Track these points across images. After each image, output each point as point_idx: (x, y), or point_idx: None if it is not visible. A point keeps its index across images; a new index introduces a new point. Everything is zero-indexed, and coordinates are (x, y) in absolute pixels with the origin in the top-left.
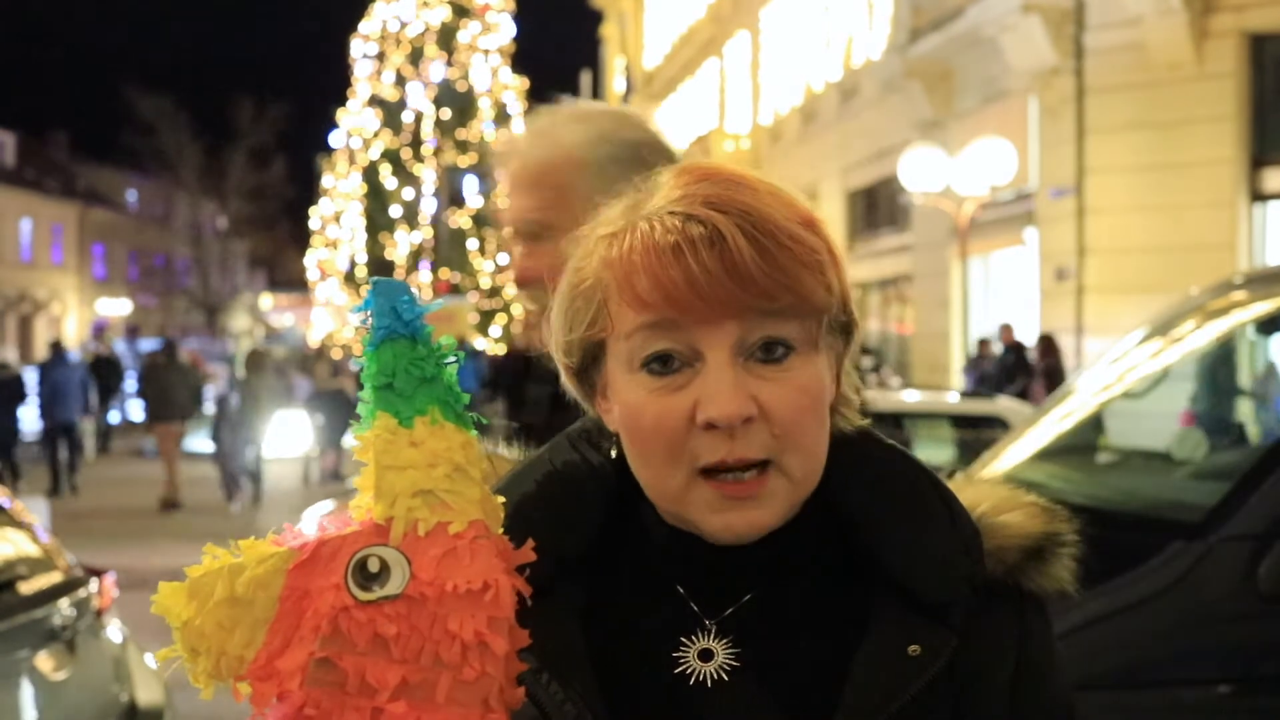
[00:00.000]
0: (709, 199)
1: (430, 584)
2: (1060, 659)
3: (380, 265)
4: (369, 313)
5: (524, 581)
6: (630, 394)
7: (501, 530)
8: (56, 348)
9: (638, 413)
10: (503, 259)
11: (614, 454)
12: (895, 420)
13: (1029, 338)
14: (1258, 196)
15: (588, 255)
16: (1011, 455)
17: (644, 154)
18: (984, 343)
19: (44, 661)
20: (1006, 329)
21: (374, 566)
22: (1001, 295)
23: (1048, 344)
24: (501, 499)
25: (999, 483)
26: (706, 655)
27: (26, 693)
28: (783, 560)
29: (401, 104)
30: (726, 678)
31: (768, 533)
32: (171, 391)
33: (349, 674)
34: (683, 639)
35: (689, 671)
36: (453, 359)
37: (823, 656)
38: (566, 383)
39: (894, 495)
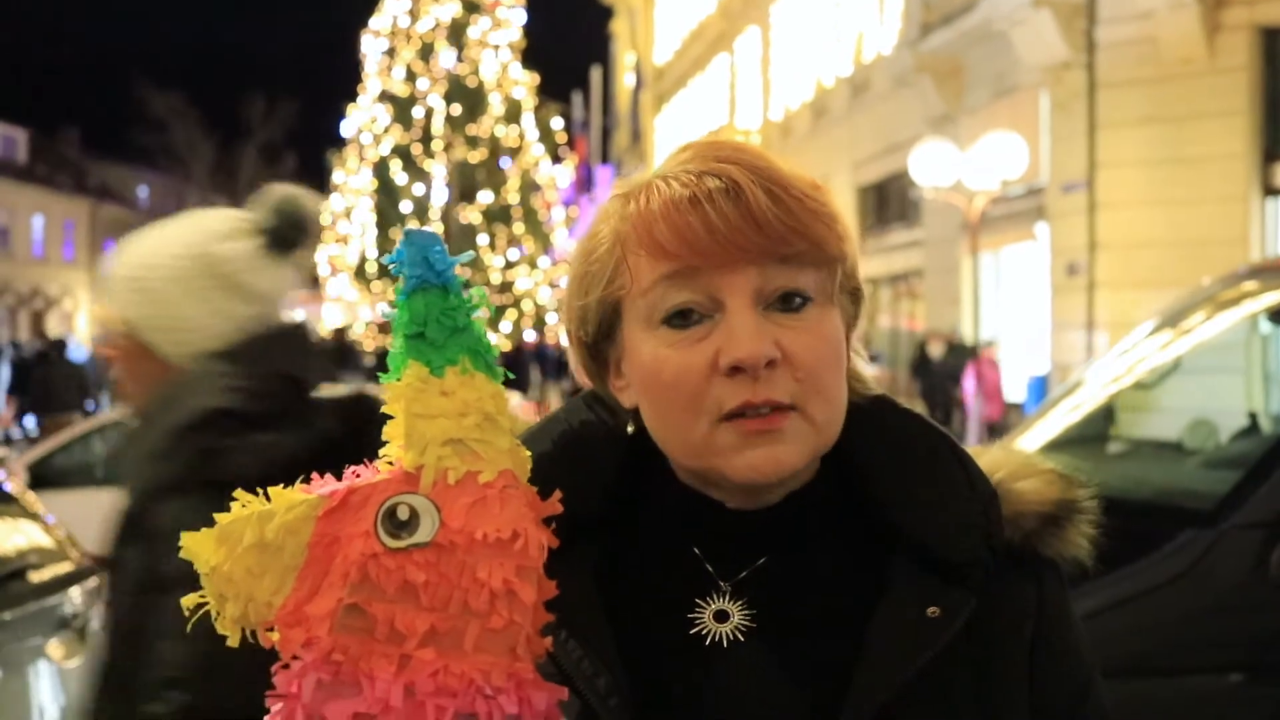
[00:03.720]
0: (720, 157)
1: (459, 532)
2: (1078, 624)
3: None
4: (401, 262)
5: (551, 534)
6: (650, 350)
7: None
8: None
9: (659, 367)
10: (513, 254)
11: (630, 429)
12: None
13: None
14: (1270, 191)
15: (603, 219)
16: (1022, 446)
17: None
18: None
19: (55, 649)
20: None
21: (403, 514)
22: (1012, 290)
23: None
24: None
25: (1016, 449)
26: (722, 616)
27: (38, 680)
28: (799, 523)
29: (412, 99)
30: (742, 639)
31: (787, 492)
32: (54, 386)
33: (378, 621)
34: (698, 600)
35: (704, 633)
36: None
37: (839, 619)
38: (577, 362)
39: (911, 458)
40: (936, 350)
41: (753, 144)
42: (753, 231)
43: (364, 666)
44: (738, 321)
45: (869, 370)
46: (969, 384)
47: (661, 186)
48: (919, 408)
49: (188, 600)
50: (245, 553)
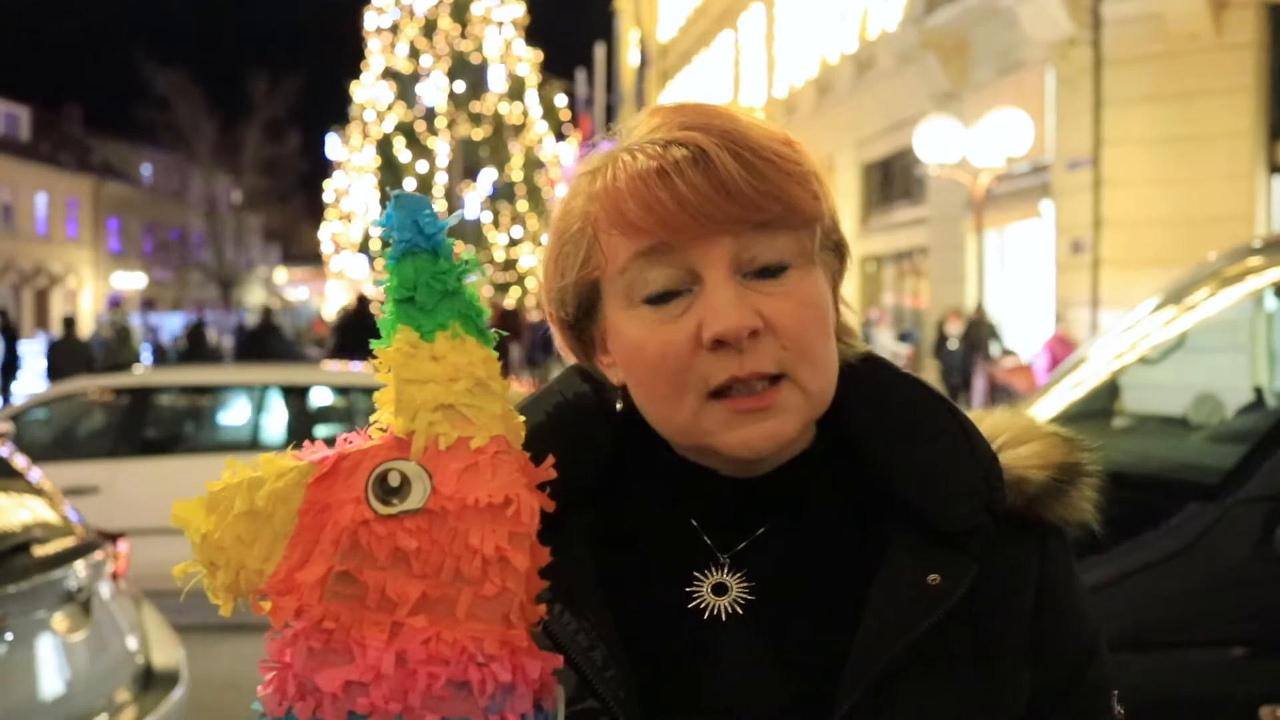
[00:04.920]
0: (686, 124)
1: (451, 498)
2: (1083, 589)
3: None
4: (390, 226)
5: (546, 498)
6: (632, 330)
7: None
8: None
9: (641, 346)
10: (516, 232)
11: (619, 406)
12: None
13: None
14: (1276, 168)
15: (572, 197)
16: None
17: None
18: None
19: (60, 623)
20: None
21: (394, 480)
22: (1017, 268)
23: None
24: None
25: (1019, 413)
26: (720, 589)
27: (43, 653)
28: (796, 493)
29: (415, 76)
30: (740, 612)
31: (783, 460)
32: (61, 362)
33: (369, 588)
34: (696, 574)
35: (703, 606)
36: (475, 275)
37: (839, 588)
38: (560, 342)
39: (910, 423)
40: (955, 329)
41: (721, 105)
42: (724, 200)
43: (355, 634)
44: (717, 294)
45: (901, 349)
46: (1041, 363)
47: (627, 160)
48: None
49: (179, 568)
50: (235, 520)
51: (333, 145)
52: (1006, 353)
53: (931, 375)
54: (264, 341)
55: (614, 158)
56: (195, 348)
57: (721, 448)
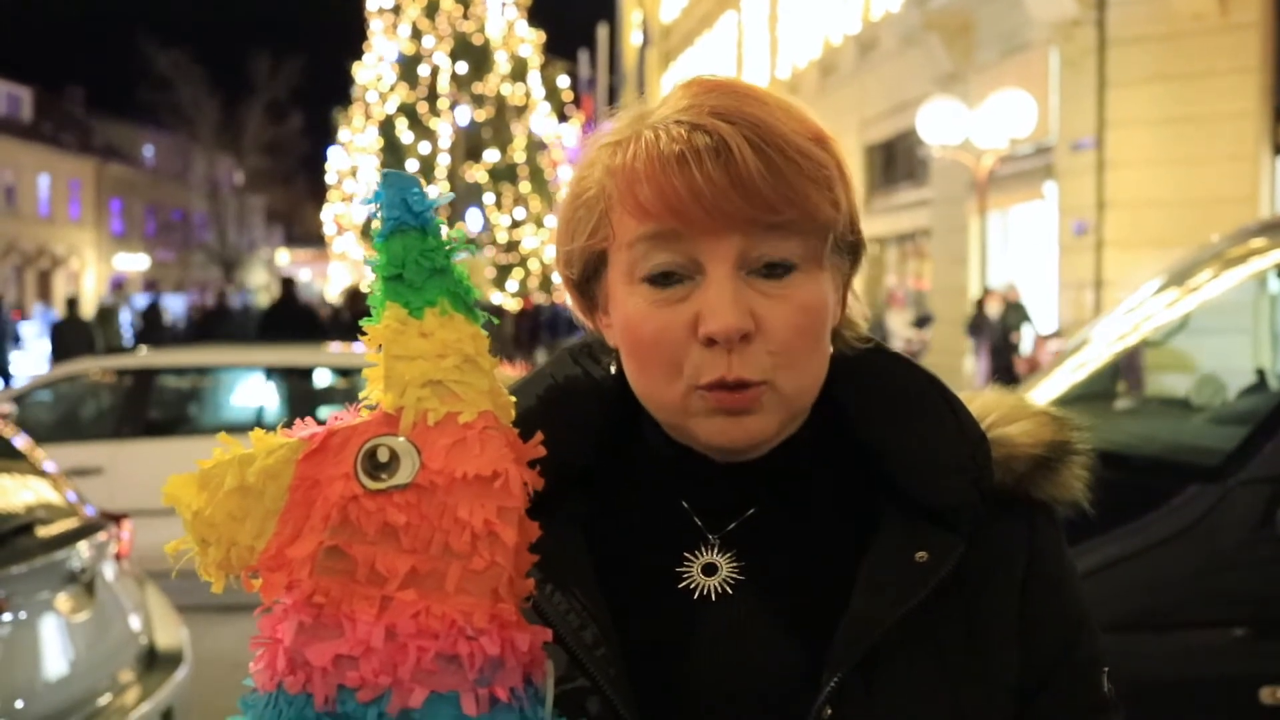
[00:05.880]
0: (716, 109)
1: (439, 473)
2: (1073, 568)
3: None
4: (379, 205)
5: (535, 475)
6: (630, 306)
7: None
8: None
9: (638, 324)
10: (519, 213)
11: (614, 369)
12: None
13: None
14: None
15: (591, 164)
16: None
17: None
18: None
19: (64, 603)
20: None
21: (383, 456)
22: (1020, 250)
23: None
24: (512, 398)
25: (1008, 393)
26: (710, 570)
27: (47, 634)
28: (787, 473)
29: (418, 58)
30: (730, 591)
31: (767, 446)
32: (67, 343)
33: (358, 562)
34: (686, 554)
35: (693, 586)
36: (464, 253)
37: (828, 567)
38: (567, 297)
39: (899, 403)
40: (994, 309)
41: (758, 88)
42: (739, 198)
43: (345, 609)
44: (716, 290)
45: (915, 334)
46: None
47: (650, 139)
48: (971, 366)
49: (171, 546)
50: (226, 497)
51: (334, 153)
52: (1043, 336)
53: (963, 358)
54: (211, 325)
55: (637, 133)
56: (151, 329)
57: (701, 435)
